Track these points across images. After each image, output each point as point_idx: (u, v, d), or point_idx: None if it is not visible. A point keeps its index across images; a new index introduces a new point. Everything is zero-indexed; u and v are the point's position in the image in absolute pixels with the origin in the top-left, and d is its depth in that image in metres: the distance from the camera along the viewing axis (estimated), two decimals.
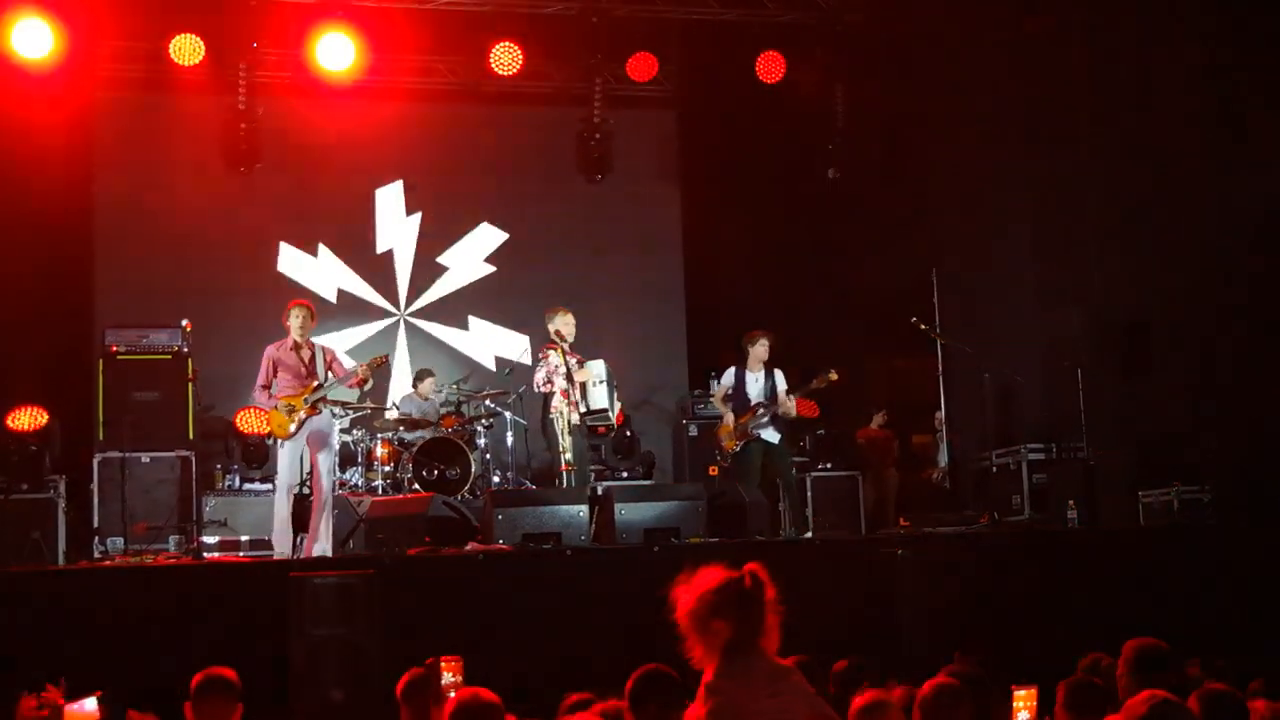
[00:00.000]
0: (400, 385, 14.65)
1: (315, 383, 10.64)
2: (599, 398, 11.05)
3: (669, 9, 14.50)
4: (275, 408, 10.64)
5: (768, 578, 4.39)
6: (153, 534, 11.74)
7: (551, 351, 11.20)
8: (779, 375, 11.76)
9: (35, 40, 12.90)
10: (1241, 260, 11.04)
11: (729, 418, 11.72)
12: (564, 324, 11.25)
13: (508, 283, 15.46)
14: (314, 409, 10.62)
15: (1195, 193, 11.49)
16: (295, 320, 10.75)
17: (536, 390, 11.41)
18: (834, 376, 11.60)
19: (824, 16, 14.61)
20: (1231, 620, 8.67)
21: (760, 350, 11.74)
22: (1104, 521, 11.24)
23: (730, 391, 11.83)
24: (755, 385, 11.72)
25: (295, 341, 10.76)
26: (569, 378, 11.04)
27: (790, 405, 11.58)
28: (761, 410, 11.55)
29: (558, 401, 11.03)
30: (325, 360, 10.79)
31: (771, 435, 11.67)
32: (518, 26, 14.29)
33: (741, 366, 11.81)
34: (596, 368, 11.14)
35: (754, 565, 4.42)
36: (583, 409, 11.08)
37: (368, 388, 11.24)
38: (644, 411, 15.27)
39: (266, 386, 10.73)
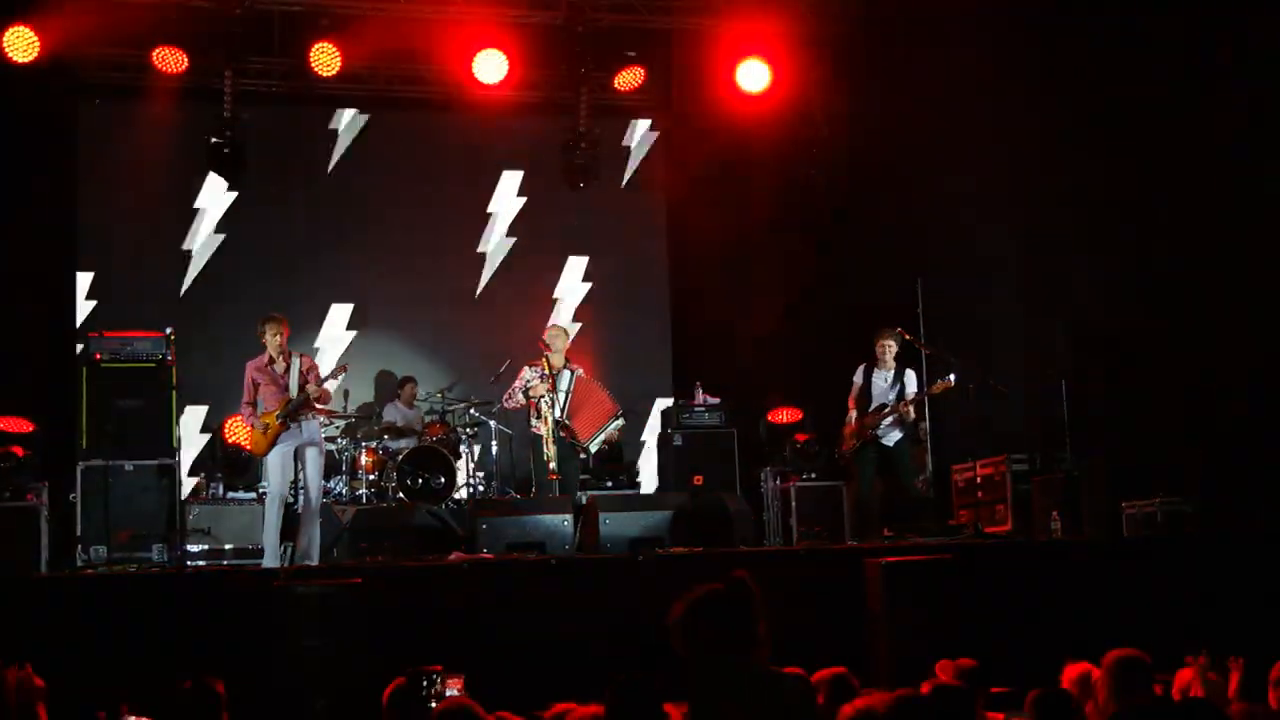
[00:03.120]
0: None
1: (287, 398, 10.73)
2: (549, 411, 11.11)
3: (655, 18, 14.52)
4: (253, 426, 10.78)
5: (754, 585, 4.37)
6: (136, 542, 11.70)
7: (526, 368, 11.33)
8: (910, 375, 11.71)
9: (22, 45, 12.88)
10: (1223, 270, 11.07)
11: (851, 416, 11.69)
12: (551, 337, 11.39)
13: (493, 291, 15.45)
14: (285, 425, 10.70)
15: (1181, 202, 11.51)
16: (266, 335, 10.86)
17: (503, 404, 11.78)
18: (950, 384, 11.59)
19: (810, 25, 14.63)
20: (1215, 631, 8.68)
21: (886, 349, 11.68)
22: (1087, 532, 11.26)
23: (859, 390, 11.78)
24: (882, 384, 11.66)
25: (270, 356, 10.86)
26: (527, 392, 11.17)
27: (910, 409, 11.53)
28: (886, 411, 11.52)
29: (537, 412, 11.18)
30: (302, 370, 10.85)
31: (891, 438, 11.62)
32: (503, 35, 14.29)
33: (871, 364, 11.76)
34: (562, 380, 11.17)
35: (741, 573, 4.40)
36: (548, 421, 11.11)
37: (326, 397, 11.30)
38: (629, 421, 15.28)
39: (251, 403, 10.85)
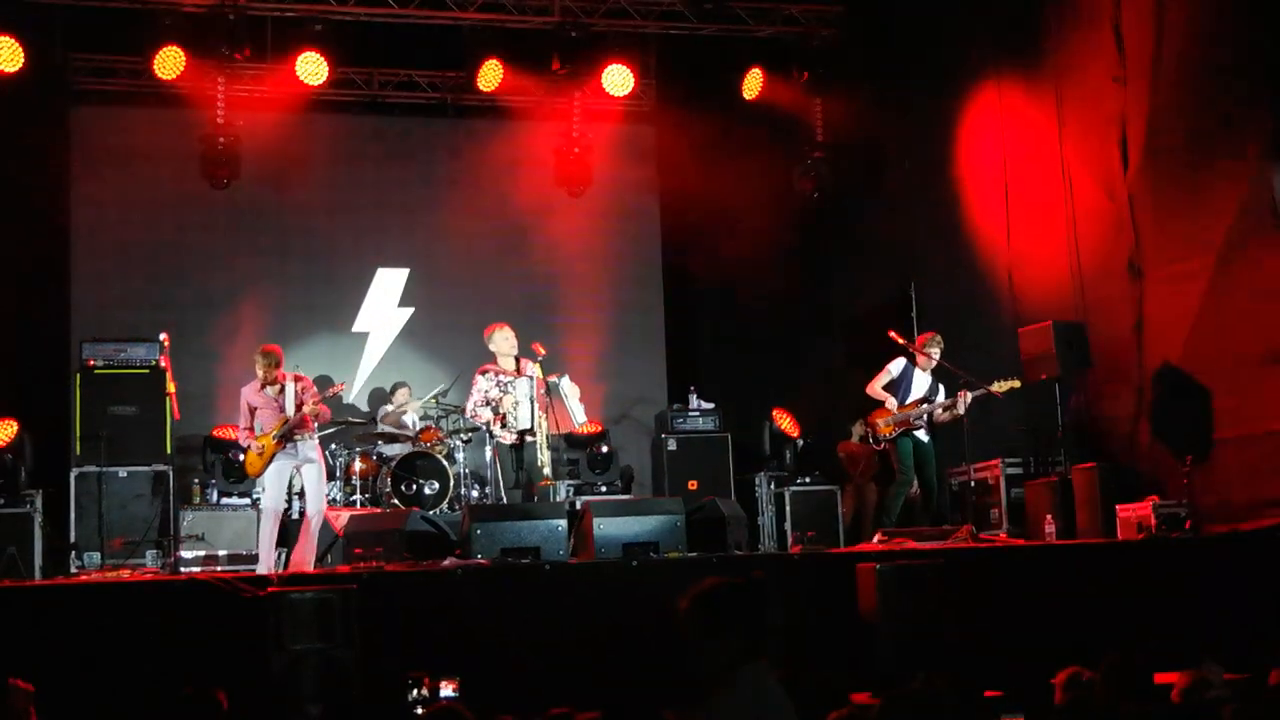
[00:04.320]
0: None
1: (284, 419, 10.72)
2: (523, 417, 11.03)
3: (648, 24, 14.53)
4: (250, 448, 10.81)
5: (770, 588, 4.27)
6: (129, 549, 11.68)
7: (480, 376, 11.22)
8: (942, 386, 11.76)
9: (6, 56, 12.90)
10: (1215, 273, 11.07)
11: (891, 403, 11.69)
12: (501, 340, 11.29)
13: (487, 298, 15.44)
14: (281, 444, 10.70)
15: (1170, 206, 11.53)
16: (259, 366, 10.91)
17: (469, 419, 11.66)
18: (1016, 384, 11.54)
19: (802, 32, 14.66)
20: (1209, 634, 8.70)
21: (934, 350, 11.71)
22: (1081, 535, 11.26)
23: (892, 381, 11.79)
24: (923, 384, 11.73)
25: (264, 381, 10.87)
26: (488, 401, 11.11)
27: (964, 403, 11.47)
28: (926, 405, 11.53)
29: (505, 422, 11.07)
30: (298, 390, 10.84)
31: (924, 434, 11.70)
32: (497, 41, 14.31)
33: (912, 362, 11.81)
34: (521, 386, 11.08)
35: (759, 574, 4.31)
36: (513, 429, 11.06)
37: (325, 416, 11.27)
38: (623, 426, 15.29)
39: (249, 429, 10.85)
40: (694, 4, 14.29)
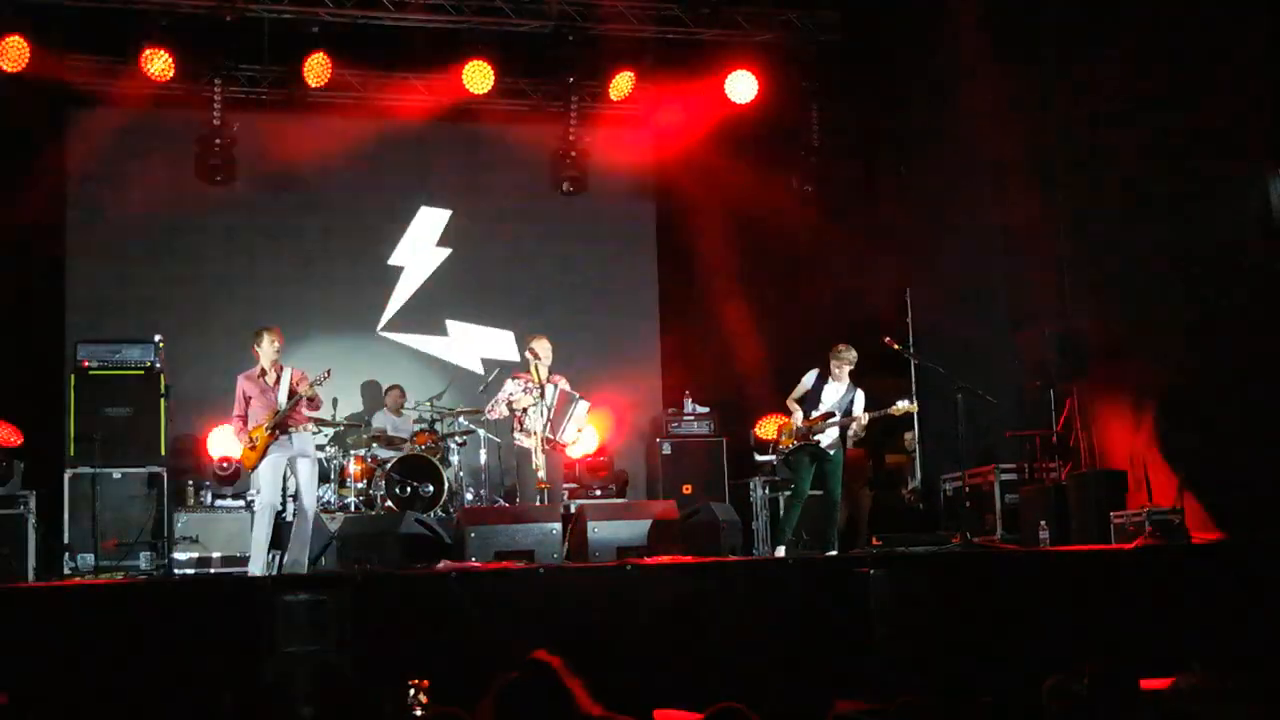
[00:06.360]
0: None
1: (276, 409, 10.66)
2: (540, 425, 11.13)
3: (644, 27, 14.53)
4: (243, 441, 10.75)
5: (566, 673, 4.15)
6: (123, 550, 11.68)
7: (510, 380, 11.51)
8: (859, 394, 11.39)
9: (13, 55, 12.91)
10: (1211, 279, 11.10)
11: (797, 416, 11.35)
12: (536, 346, 11.42)
13: (483, 301, 15.46)
14: (274, 435, 10.62)
15: (1167, 212, 11.56)
16: (263, 345, 10.80)
17: (486, 414, 11.88)
18: (912, 407, 11.44)
19: (799, 36, 14.67)
20: (1202, 640, 8.70)
21: (845, 363, 11.39)
22: (1075, 542, 11.28)
23: (805, 393, 11.44)
24: (834, 395, 11.35)
25: (262, 368, 10.80)
26: (509, 402, 11.31)
27: (863, 423, 11.24)
28: (832, 419, 11.23)
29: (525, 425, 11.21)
30: (291, 382, 10.78)
31: (830, 446, 11.33)
32: (493, 44, 14.31)
33: (825, 373, 11.47)
34: (546, 396, 11.19)
35: (548, 657, 4.18)
36: (532, 432, 11.16)
37: (318, 402, 11.21)
38: (617, 429, 15.28)
39: (242, 416, 10.75)
40: (691, 8, 14.30)
